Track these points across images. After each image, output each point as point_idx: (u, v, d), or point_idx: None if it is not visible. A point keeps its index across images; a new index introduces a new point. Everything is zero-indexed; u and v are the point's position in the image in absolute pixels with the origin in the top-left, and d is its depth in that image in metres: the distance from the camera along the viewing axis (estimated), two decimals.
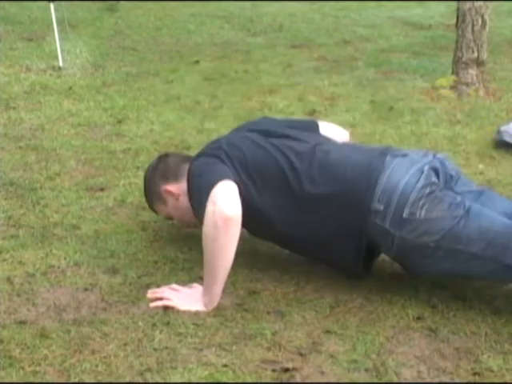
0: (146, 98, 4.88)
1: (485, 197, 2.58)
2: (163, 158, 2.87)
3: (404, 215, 2.38)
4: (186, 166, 2.69)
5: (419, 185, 2.40)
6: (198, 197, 2.47)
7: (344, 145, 2.81)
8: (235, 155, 2.57)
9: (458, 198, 2.43)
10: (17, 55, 5.88)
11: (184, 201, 2.68)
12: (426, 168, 2.45)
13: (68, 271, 2.64)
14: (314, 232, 2.51)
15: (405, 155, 2.52)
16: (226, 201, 2.37)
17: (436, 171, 2.48)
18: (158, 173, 2.80)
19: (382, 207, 2.40)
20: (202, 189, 2.45)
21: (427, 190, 2.40)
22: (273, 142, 2.62)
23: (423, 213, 2.37)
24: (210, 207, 2.37)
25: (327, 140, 2.75)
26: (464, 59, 5.22)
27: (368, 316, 2.41)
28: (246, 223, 2.45)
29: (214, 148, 2.65)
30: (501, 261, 2.33)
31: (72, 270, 2.65)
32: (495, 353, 2.22)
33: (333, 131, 2.91)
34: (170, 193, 2.75)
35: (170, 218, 2.87)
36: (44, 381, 2.05)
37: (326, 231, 2.49)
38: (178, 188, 2.72)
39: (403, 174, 2.42)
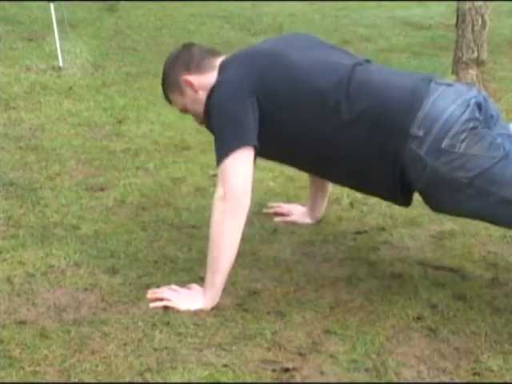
0: (145, 98, 4.88)
1: None
2: (187, 46, 2.71)
3: (442, 146, 2.30)
4: (211, 60, 2.60)
5: (463, 118, 2.31)
6: (216, 136, 2.46)
7: (384, 67, 2.71)
8: (269, 79, 2.46)
9: (499, 139, 2.34)
10: (17, 55, 5.87)
11: (203, 95, 2.57)
12: (473, 102, 2.35)
13: (68, 271, 2.64)
14: (353, 152, 2.43)
15: (450, 85, 2.43)
16: (236, 184, 2.36)
17: (480, 107, 2.38)
18: (180, 61, 2.65)
19: (421, 133, 2.31)
20: (220, 137, 2.43)
21: (471, 125, 2.31)
22: (312, 59, 2.51)
23: (463, 147, 2.29)
24: (219, 189, 2.38)
25: (366, 61, 2.63)
26: (464, 59, 5.22)
27: (368, 316, 2.41)
28: (280, 151, 2.49)
29: (249, 63, 2.52)
30: None
31: (72, 270, 2.65)
32: (495, 353, 2.22)
33: None
34: (189, 84, 2.59)
35: (184, 110, 2.74)
36: (44, 381, 2.05)
37: (364, 152, 2.41)
38: (198, 80, 2.58)
39: (449, 104, 2.33)
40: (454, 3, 5.81)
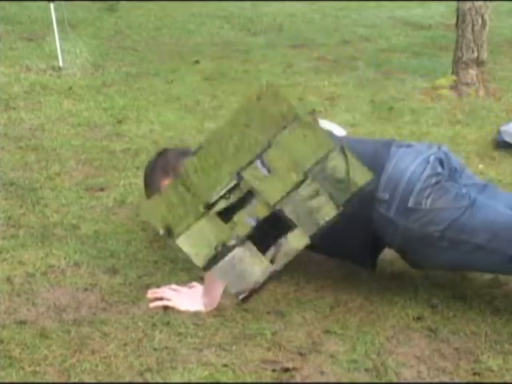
0: (146, 98, 4.88)
1: (488, 190, 2.56)
2: (162, 153, 2.87)
3: (409, 204, 2.37)
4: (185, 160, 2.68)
5: (425, 175, 2.40)
6: None
7: (346, 136, 2.80)
8: None
9: (464, 190, 2.43)
10: (17, 55, 5.87)
11: None
12: (432, 158, 2.45)
13: (68, 271, 2.64)
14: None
15: (409, 146, 2.53)
16: None
17: (441, 162, 2.47)
18: (157, 168, 2.79)
19: (387, 196, 2.39)
20: None
21: (433, 180, 2.40)
22: None
23: (429, 202, 2.37)
24: None
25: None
26: (464, 59, 5.22)
27: (368, 316, 2.42)
28: None
29: None
30: (505, 252, 2.33)
31: (72, 269, 2.65)
32: (495, 353, 2.22)
33: (330, 128, 2.90)
34: None
35: None
36: (44, 381, 2.05)
37: (336, 224, 2.41)
38: None
39: (409, 164, 2.42)
40: (454, 3, 5.80)
